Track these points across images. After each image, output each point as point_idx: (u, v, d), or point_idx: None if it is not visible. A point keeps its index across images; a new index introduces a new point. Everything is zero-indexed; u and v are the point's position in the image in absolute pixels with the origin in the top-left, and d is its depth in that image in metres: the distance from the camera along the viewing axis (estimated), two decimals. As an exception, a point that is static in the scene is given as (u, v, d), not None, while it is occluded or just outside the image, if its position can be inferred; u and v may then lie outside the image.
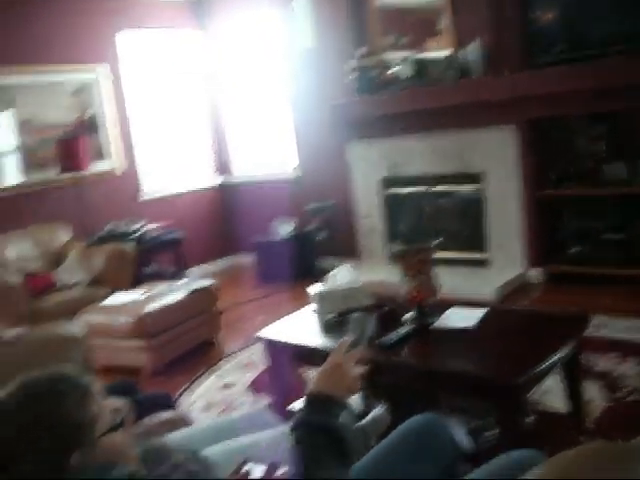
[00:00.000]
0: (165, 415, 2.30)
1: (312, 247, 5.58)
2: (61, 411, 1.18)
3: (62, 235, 5.12)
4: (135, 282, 4.82)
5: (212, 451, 1.88)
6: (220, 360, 4.00)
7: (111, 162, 5.69)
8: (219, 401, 3.37)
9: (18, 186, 5.13)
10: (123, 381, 2.75)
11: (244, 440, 1.92)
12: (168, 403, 2.48)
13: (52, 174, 5.18)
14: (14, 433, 1.14)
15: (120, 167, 5.78)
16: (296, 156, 5.94)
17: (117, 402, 1.33)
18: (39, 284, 4.55)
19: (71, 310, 4.17)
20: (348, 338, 1.42)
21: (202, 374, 3.79)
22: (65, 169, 5.07)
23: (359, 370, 1.36)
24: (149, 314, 3.89)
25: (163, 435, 2.10)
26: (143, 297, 4.17)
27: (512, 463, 1.43)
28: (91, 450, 1.18)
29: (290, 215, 5.81)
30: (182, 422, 2.31)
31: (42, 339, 2.64)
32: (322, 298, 2.80)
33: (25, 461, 1.13)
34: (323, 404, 1.27)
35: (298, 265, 5.40)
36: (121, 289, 4.53)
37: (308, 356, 2.65)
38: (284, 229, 5.72)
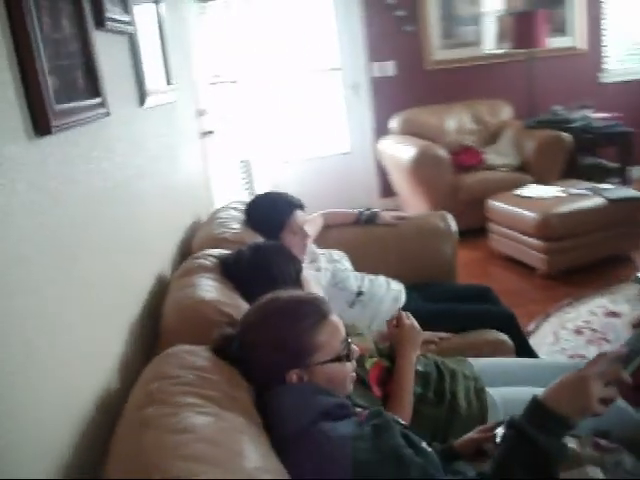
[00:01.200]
0: (492, 335, 2.24)
1: None
2: (295, 329, 1.29)
3: (502, 113, 5.09)
4: (568, 173, 4.57)
5: (501, 392, 1.79)
6: (622, 282, 3.59)
7: (572, 38, 5.24)
8: (592, 327, 3.09)
9: (478, 57, 5.21)
10: (480, 286, 2.74)
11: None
12: (509, 324, 2.38)
13: (503, 47, 5.08)
14: (255, 339, 1.31)
15: (582, 44, 5.27)
16: None
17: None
18: (468, 159, 4.70)
19: (488, 192, 4.26)
20: (613, 352, 1.15)
21: (594, 292, 3.48)
22: (518, 44, 4.89)
23: (609, 393, 1.14)
24: (557, 215, 3.68)
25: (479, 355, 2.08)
26: (559, 195, 3.95)
27: None
28: (308, 373, 1.28)
29: None
30: (507, 348, 2.22)
31: (417, 226, 2.80)
32: None
33: (255, 364, 1.30)
34: (547, 418, 1.13)
35: None
36: (548, 179, 4.37)
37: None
38: None
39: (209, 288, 1.61)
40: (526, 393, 1.74)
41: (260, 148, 5.27)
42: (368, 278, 2.47)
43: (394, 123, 5.03)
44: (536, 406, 1.15)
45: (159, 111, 2.02)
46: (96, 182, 1.35)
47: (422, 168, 4.45)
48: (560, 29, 5.19)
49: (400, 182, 5.01)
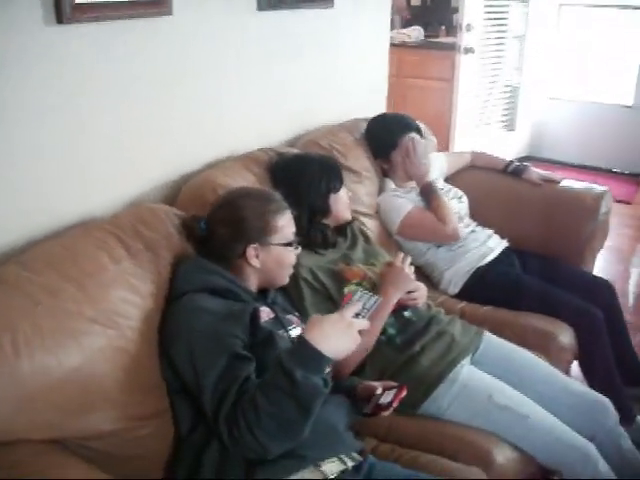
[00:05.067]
0: (546, 325, 2.07)
1: None
2: (259, 209, 1.52)
3: None
4: None
5: (476, 376, 1.76)
6: None
7: None
8: None
9: None
10: (600, 279, 2.45)
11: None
12: (590, 325, 2.15)
13: None
14: (221, 216, 1.54)
15: None
16: None
17: None
18: None
19: None
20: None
21: None
22: None
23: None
24: None
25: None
26: None
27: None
28: (264, 250, 1.50)
29: None
30: (557, 345, 2.02)
31: (562, 195, 2.55)
32: None
33: (217, 235, 1.53)
34: (310, 356, 1.20)
35: None
36: None
37: None
38: None
39: (232, 174, 1.87)
40: (486, 389, 1.70)
41: (529, 77, 4.98)
42: (472, 228, 2.42)
43: None
44: (304, 346, 1.20)
45: (288, 16, 2.21)
46: (149, 68, 1.71)
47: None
48: None
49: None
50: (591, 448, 1.65)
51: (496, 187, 2.65)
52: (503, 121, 4.99)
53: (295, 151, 2.13)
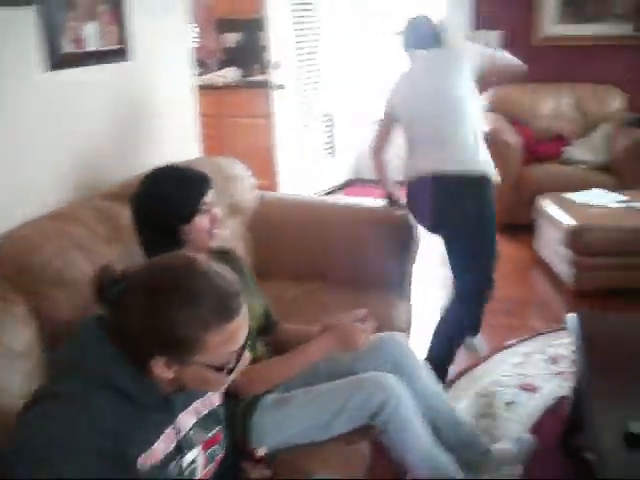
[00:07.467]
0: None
1: None
2: (187, 315, 1.04)
3: (610, 102, 4.48)
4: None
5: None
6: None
7: None
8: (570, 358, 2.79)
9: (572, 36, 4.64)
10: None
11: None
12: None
13: (624, 29, 4.46)
14: (138, 302, 1.06)
15: None
16: None
17: None
18: (544, 150, 4.30)
19: (551, 188, 3.89)
20: None
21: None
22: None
23: None
24: (589, 229, 3.30)
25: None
26: (617, 206, 3.52)
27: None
28: (178, 367, 1.08)
29: None
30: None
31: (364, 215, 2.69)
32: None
33: (128, 312, 1.06)
34: None
35: None
36: (636, 186, 3.83)
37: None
38: None
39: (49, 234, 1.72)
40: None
41: (346, 104, 5.25)
42: None
43: (486, 99, 4.70)
44: None
45: (81, 74, 2.17)
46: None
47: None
48: None
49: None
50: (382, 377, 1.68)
51: (295, 220, 2.63)
52: (325, 149, 5.21)
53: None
